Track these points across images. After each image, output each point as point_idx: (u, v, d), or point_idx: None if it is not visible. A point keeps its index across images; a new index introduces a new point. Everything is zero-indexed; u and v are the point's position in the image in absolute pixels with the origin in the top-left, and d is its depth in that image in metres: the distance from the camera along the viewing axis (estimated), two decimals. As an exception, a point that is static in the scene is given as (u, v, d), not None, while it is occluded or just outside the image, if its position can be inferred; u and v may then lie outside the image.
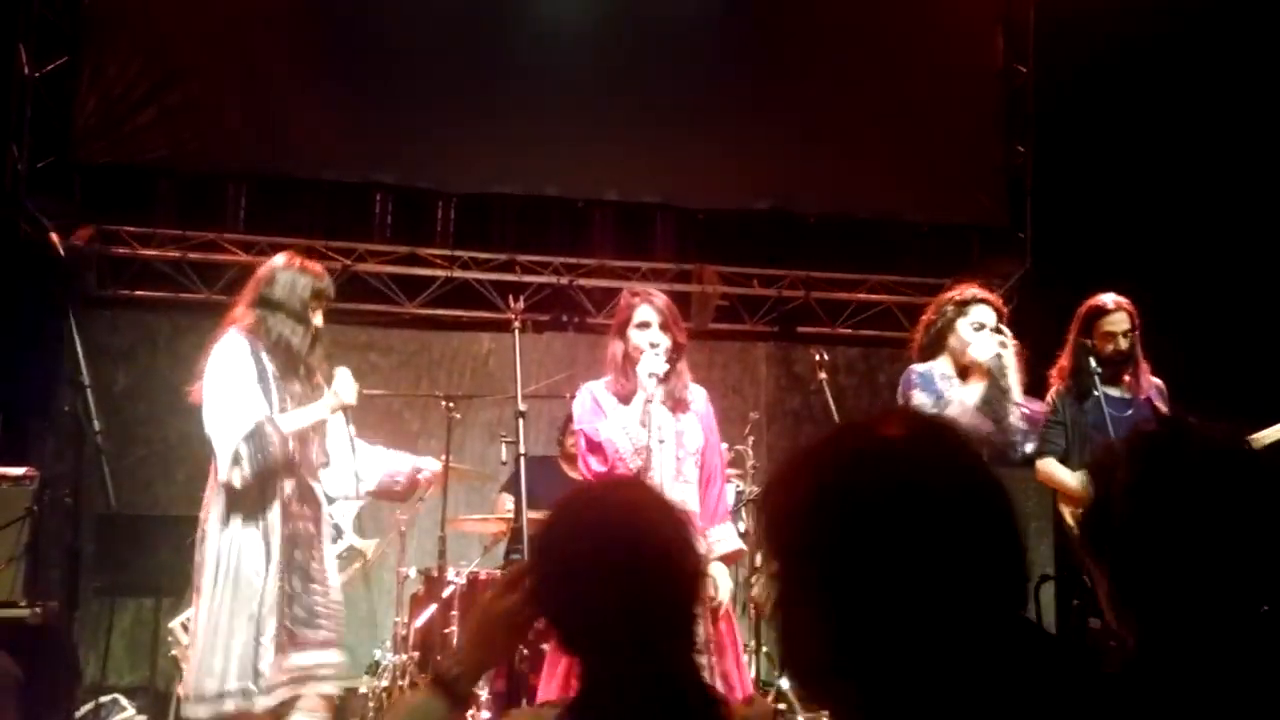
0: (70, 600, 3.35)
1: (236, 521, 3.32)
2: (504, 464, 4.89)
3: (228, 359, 3.35)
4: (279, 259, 3.57)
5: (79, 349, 3.20)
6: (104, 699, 5.04)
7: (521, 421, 3.91)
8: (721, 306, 6.65)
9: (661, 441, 3.42)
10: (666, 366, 3.43)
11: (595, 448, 3.42)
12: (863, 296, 6.81)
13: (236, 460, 3.25)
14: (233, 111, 6.15)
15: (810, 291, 6.75)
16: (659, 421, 3.44)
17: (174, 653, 4.25)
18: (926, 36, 6.65)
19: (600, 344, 6.59)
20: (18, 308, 5.67)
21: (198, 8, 6.13)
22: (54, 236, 3.60)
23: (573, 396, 5.28)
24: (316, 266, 3.58)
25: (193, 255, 6.26)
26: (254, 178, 6.44)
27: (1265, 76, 5.82)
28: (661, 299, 3.55)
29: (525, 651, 3.99)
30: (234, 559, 3.30)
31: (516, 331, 3.97)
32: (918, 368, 3.89)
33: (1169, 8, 5.89)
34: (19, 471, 4.60)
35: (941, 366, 3.85)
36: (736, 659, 3.43)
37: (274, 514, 3.34)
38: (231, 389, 3.31)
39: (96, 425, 3.15)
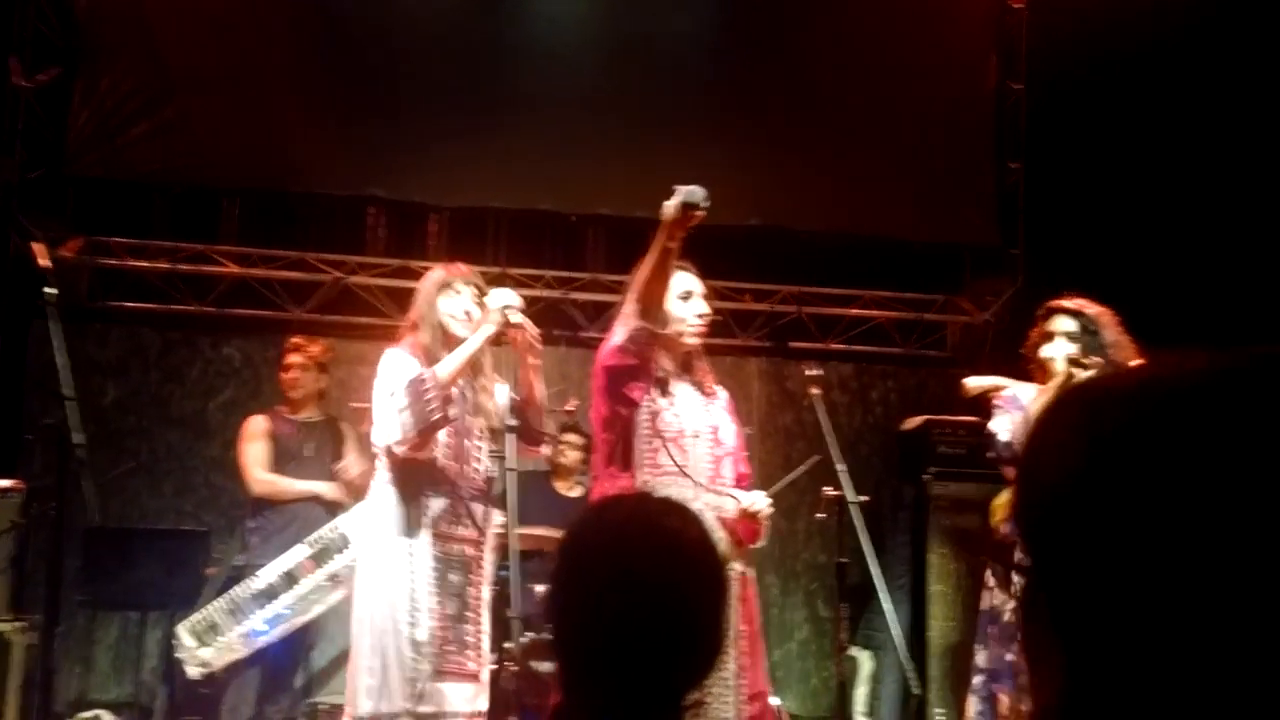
0: (51, 614, 3.31)
1: (386, 543, 3.31)
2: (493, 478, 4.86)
3: (386, 368, 3.38)
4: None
5: (59, 361, 3.18)
6: (86, 714, 5.00)
7: (512, 437, 3.87)
8: (714, 321, 6.62)
9: (695, 435, 3.17)
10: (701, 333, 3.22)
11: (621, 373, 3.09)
12: (856, 312, 6.80)
13: (400, 413, 3.22)
14: (226, 126, 6.14)
15: (803, 307, 6.73)
16: (688, 407, 3.17)
17: (179, 655, 4.22)
18: (919, 54, 6.66)
19: (592, 359, 6.61)
20: (6, 320, 5.66)
21: (193, 23, 6.13)
22: (40, 246, 3.57)
23: (565, 410, 5.30)
24: (450, 265, 3.64)
25: (184, 267, 6.23)
26: (247, 192, 6.43)
27: (1260, 92, 5.84)
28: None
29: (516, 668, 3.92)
30: (380, 581, 3.29)
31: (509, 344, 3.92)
32: (1014, 388, 3.62)
33: (1162, 25, 5.91)
34: (7, 484, 4.57)
35: (1033, 390, 3.56)
36: (753, 645, 3.14)
37: (423, 535, 3.30)
38: (389, 384, 3.32)
39: (78, 439, 3.13)
